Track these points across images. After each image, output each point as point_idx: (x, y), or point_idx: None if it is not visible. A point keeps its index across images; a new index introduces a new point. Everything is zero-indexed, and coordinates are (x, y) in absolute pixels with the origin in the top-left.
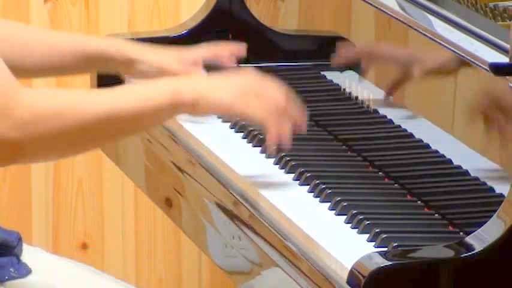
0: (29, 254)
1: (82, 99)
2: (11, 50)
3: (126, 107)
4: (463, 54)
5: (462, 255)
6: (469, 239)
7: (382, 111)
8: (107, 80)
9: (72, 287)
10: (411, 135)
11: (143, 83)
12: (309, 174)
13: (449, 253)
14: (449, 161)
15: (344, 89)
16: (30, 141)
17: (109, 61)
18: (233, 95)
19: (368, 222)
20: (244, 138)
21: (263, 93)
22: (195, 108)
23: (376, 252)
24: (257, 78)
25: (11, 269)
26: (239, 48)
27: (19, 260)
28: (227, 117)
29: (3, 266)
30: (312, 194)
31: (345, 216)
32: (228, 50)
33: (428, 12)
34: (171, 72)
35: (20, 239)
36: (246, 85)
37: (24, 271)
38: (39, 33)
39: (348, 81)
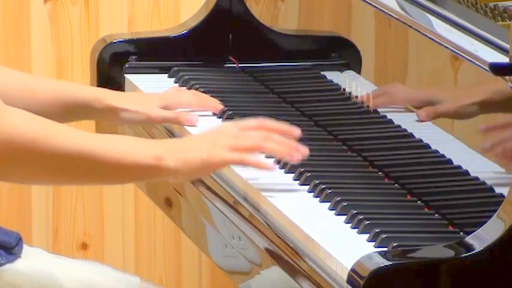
0: (29, 255)
1: (59, 131)
2: None
3: (101, 150)
4: (463, 54)
5: (462, 255)
6: (469, 239)
7: (382, 111)
8: (106, 84)
9: (72, 286)
10: (411, 135)
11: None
12: (309, 174)
13: (449, 253)
14: (449, 161)
15: (344, 89)
16: (2, 158)
17: (91, 110)
18: (215, 153)
19: (368, 222)
20: None
21: (242, 128)
22: (178, 176)
23: (376, 252)
24: (231, 124)
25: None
26: (216, 105)
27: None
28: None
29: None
30: (312, 194)
31: (345, 216)
32: (210, 103)
33: (428, 12)
34: (159, 118)
35: (20, 239)
36: (224, 135)
37: (12, 258)
38: (22, 80)
39: (348, 81)
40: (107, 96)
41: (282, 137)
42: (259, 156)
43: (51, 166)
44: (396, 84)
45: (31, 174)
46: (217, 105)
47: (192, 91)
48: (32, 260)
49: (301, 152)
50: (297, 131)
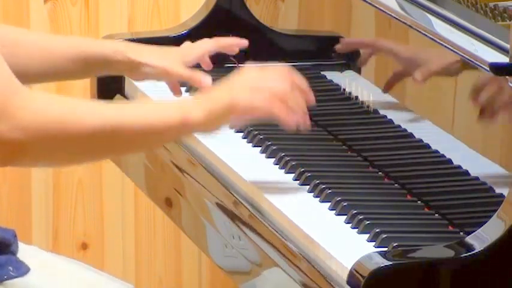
0: (26, 253)
1: (86, 108)
2: (9, 55)
3: (130, 121)
4: (463, 54)
5: (462, 255)
6: (469, 239)
7: (382, 111)
8: (107, 84)
9: (70, 286)
10: (411, 135)
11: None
12: (309, 174)
13: (449, 253)
14: (449, 161)
15: (344, 89)
16: (31, 144)
17: (111, 64)
18: (238, 96)
19: (368, 222)
20: (244, 138)
21: (264, 85)
22: (207, 127)
23: (376, 252)
24: (256, 72)
25: (10, 268)
26: (241, 41)
27: (16, 258)
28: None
29: (2, 265)
30: (312, 194)
31: (345, 216)
32: (231, 40)
33: (428, 12)
34: (175, 75)
35: (15, 236)
36: (247, 81)
37: (23, 270)
38: (38, 38)
39: (348, 81)
40: (127, 49)
41: (298, 100)
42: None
43: (83, 146)
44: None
45: (66, 157)
46: (238, 42)
47: (214, 39)
48: (41, 273)
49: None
50: (307, 124)
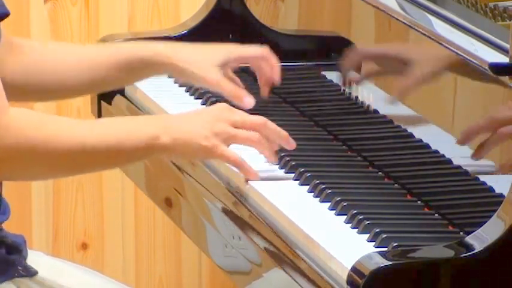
0: (32, 258)
1: (60, 128)
2: (46, 74)
3: (102, 140)
4: (463, 54)
5: (462, 255)
6: (469, 239)
7: (382, 111)
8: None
9: None
10: (411, 135)
11: (127, 117)
12: (309, 174)
13: (449, 253)
14: (449, 161)
15: (344, 89)
16: (7, 161)
17: (153, 66)
18: (210, 136)
19: (368, 222)
20: None
21: (235, 120)
22: (171, 153)
23: (376, 252)
24: (226, 108)
25: (20, 268)
26: (276, 68)
27: (25, 263)
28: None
29: (13, 263)
30: (312, 194)
31: (345, 216)
32: (276, 66)
33: (428, 12)
34: (215, 86)
35: (24, 242)
36: (217, 117)
37: (31, 270)
38: (74, 52)
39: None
40: (166, 51)
41: (275, 135)
42: (250, 165)
43: (55, 163)
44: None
45: (39, 172)
46: (277, 67)
47: (255, 49)
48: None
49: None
50: (292, 144)
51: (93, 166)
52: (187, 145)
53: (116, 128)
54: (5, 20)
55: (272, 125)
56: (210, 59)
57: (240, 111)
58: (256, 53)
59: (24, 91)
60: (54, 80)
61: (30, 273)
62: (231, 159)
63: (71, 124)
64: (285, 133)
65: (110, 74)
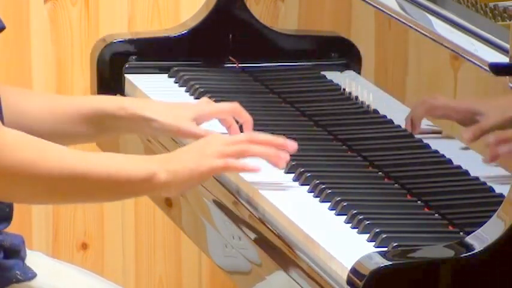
0: (32, 259)
1: (54, 153)
2: (15, 119)
3: (95, 170)
4: (463, 54)
5: (462, 255)
6: (469, 239)
7: (382, 111)
8: (107, 84)
9: None
10: (411, 135)
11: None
12: (309, 174)
13: (449, 253)
14: (449, 161)
15: (344, 89)
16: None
17: (116, 121)
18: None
19: (368, 222)
20: None
21: (226, 140)
22: (168, 190)
23: (376, 252)
24: (215, 136)
25: (17, 272)
26: (249, 123)
27: (24, 264)
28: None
29: (10, 268)
30: (312, 194)
31: (345, 216)
32: (247, 118)
33: (428, 12)
34: (186, 132)
35: (23, 242)
36: (212, 145)
37: (29, 274)
38: (39, 101)
39: (348, 81)
40: (132, 105)
41: (268, 139)
42: (245, 160)
43: (46, 188)
44: (437, 96)
45: (28, 196)
46: (250, 122)
47: (227, 104)
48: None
49: (285, 159)
50: (293, 146)
51: (85, 195)
52: (181, 174)
53: (111, 159)
54: (5, 20)
55: (263, 136)
56: (181, 114)
57: (226, 135)
58: (227, 109)
59: None
60: (21, 128)
61: (29, 277)
62: (220, 166)
63: (66, 150)
64: (281, 140)
65: (75, 126)
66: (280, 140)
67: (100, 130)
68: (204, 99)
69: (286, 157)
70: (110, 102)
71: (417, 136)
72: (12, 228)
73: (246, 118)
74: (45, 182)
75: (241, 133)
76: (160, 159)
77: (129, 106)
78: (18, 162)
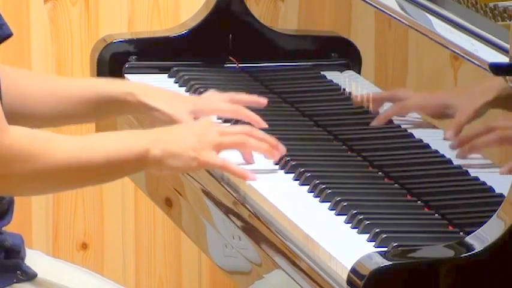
0: (31, 258)
1: (55, 144)
2: (15, 100)
3: (98, 157)
4: (463, 54)
5: (462, 255)
6: (469, 239)
7: (382, 111)
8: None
9: None
10: (411, 135)
11: (121, 132)
12: (309, 174)
13: (449, 253)
14: (449, 161)
15: (344, 89)
16: (4, 177)
17: (122, 105)
18: (198, 149)
19: (368, 222)
20: None
21: (222, 130)
22: (162, 166)
23: (376, 252)
24: (210, 122)
25: (18, 272)
26: (258, 99)
27: (24, 264)
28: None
29: (11, 269)
30: (312, 194)
31: (345, 216)
32: (248, 99)
33: (428, 12)
34: (176, 121)
35: (22, 242)
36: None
37: (30, 274)
38: (46, 82)
39: (348, 81)
40: (139, 92)
41: (264, 134)
42: (244, 167)
43: (55, 180)
44: (403, 90)
45: (37, 190)
46: (258, 119)
47: (230, 95)
48: (45, 277)
49: (280, 150)
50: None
51: (87, 180)
52: (177, 156)
53: (106, 143)
54: (5, 20)
55: (262, 133)
56: (180, 105)
57: (223, 124)
58: (228, 112)
59: None
60: (21, 109)
61: (29, 276)
62: (218, 164)
63: (64, 139)
64: (274, 141)
65: (78, 108)
66: (274, 141)
67: (102, 113)
68: (212, 91)
69: (279, 150)
70: (115, 87)
71: (417, 136)
72: (12, 228)
73: (252, 118)
74: (54, 175)
75: (240, 125)
76: (156, 134)
77: (137, 93)
78: (27, 159)
